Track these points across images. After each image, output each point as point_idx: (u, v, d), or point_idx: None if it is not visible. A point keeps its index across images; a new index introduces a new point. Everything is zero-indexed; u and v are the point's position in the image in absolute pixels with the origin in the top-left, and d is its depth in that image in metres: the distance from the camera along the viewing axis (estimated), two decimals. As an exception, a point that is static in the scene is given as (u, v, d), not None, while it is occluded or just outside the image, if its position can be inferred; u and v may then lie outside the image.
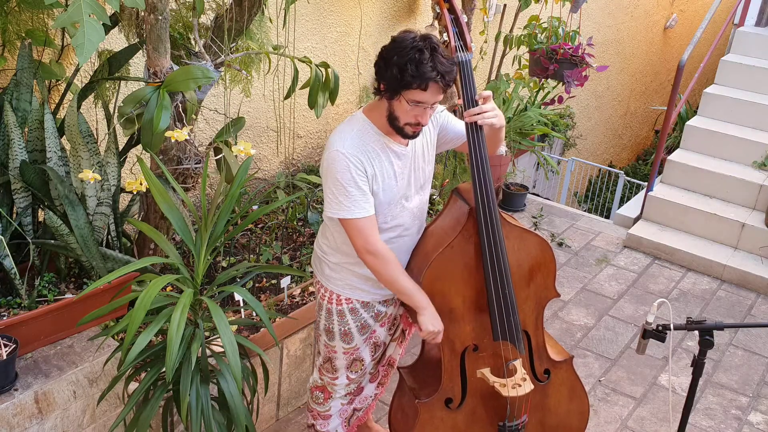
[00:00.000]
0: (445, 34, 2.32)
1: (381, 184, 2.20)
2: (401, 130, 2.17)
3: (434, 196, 4.17)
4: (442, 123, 2.38)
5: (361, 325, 2.41)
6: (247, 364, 2.40)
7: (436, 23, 3.35)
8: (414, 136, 2.19)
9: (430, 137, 2.36)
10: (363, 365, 2.52)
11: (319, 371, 2.57)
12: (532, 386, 2.41)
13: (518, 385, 2.40)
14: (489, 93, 2.24)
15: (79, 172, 2.39)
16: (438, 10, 2.38)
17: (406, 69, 2.04)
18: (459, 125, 2.41)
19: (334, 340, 2.44)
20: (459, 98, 2.29)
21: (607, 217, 6.29)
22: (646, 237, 4.78)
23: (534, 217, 4.98)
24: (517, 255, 2.39)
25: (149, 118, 2.34)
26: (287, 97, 2.88)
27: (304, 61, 2.79)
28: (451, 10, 2.33)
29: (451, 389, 2.45)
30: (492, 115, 2.22)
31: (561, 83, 4.63)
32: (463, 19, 2.32)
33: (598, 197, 7.14)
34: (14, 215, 2.47)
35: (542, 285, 2.46)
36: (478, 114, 2.21)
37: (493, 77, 4.91)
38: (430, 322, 2.29)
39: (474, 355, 2.43)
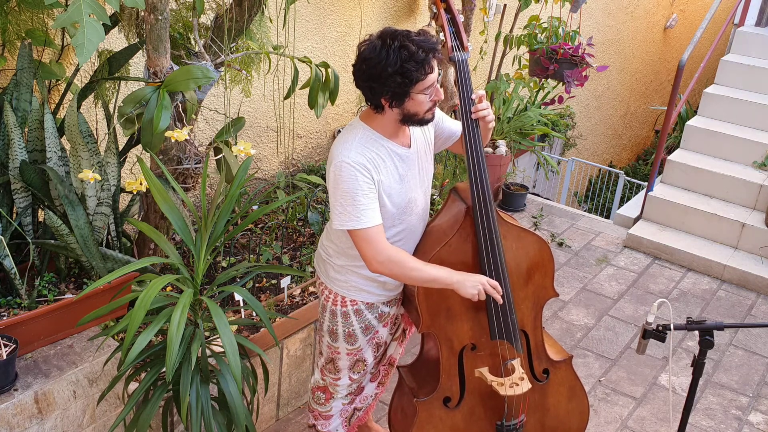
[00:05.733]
0: (441, 34, 2.32)
1: (388, 190, 2.20)
2: (422, 121, 2.19)
3: (434, 196, 4.17)
4: (437, 121, 2.39)
5: (365, 326, 2.41)
6: (247, 364, 2.40)
7: (433, 23, 3.35)
8: (433, 117, 2.22)
9: (429, 136, 2.37)
10: (365, 366, 2.52)
11: (321, 372, 2.57)
12: (530, 385, 2.41)
13: (516, 384, 2.40)
14: (482, 92, 2.28)
15: (79, 172, 2.39)
16: (435, 10, 2.38)
17: (407, 69, 2.03)
18: (451, 124, 2.45)
19: (338, 341, 2.44)
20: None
21: (607, 217, 6.30)
22: (646, 237, 4.78)
23: (534, 217, 4.98)
24: (514, 254, 2.39)
25: (149, 118, 2.34)
26: (287, 97, 2.88)
27: (304, 61, 2.79)
28: (448, 9, 2.34)
29: (449, 388, 2.45)
30: (489, 112, 2.29)
31: (561, 83, 4.63)
32: (460, 18, 2.33)
33: (598, 197, 7.14)
34: (14, 215, 2.48)
35: (540, 285, 2.46)
36: (484, 110, 2.26)
37: (493, 77, 4.91)
38: (469, 289, 2.21)
39: (472, 354, 2.43)
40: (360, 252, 2.19)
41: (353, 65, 2.13)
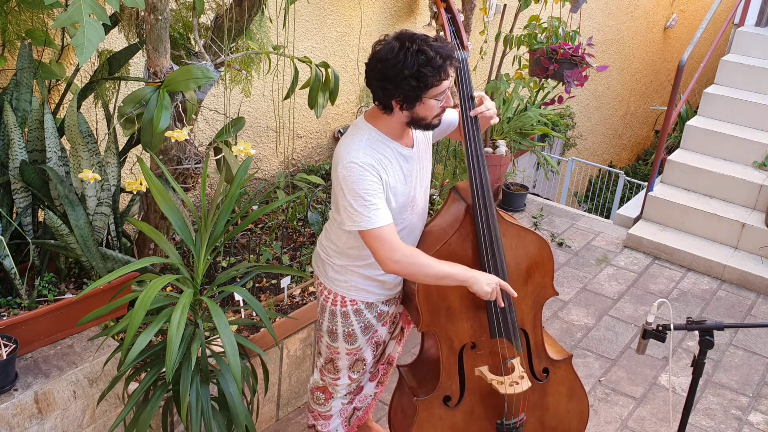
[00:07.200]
0: (441, 33, 2.32)
1: (394, 190, 2.20)
2: (428, 126, 2.19)
3: (434, 196, 4.17)
4: None
5: (364, 325, 2.41)
6: (247, 364, 2.40)
7: (433, 23, 3.35)
8: (439, 123, 2.21)
9: (428, 134, 2.37)
10: (365, 365, 2.52)
11: (321, 372, 2.57)
12: (530, 384, 2.41)
13: (515, 383, 2.40)
14: (482, 93, 2.29)
15: (79, 172, 2.39)
16: (435, 9, 2.38)
17: (423, 73, 2.02)
18: (447, 114, 2.44)
19: (338, 341, 2.44)
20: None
21: (607, 217, 6.30)
22: (646, 237, 4.78)
23: (534, 217, 4.98)
24: (514, 253, 2.39)
25: (149, 118, 2.34)
26: (287, 97, 2.88)
27: (304, 61, 2.79)
28: (448, 9, 2.35)
29: (449, 387, 2.45)
30: (494, 113, 2.29)
31: (561, 83, 4.63)
32: (460, 18, 2.34)
33: (598, 197, 7.14)
34: (14, 215, 2.48)
35: (540, 283, 2.46)
36: (487, 110, 2.26)
37: (493, 77, 4.91)
38: (484, 286, 2.19)
39: (472, 353, 2.43)
40: (373, 252, 2.16)
41: (366, 64, 2.12)
